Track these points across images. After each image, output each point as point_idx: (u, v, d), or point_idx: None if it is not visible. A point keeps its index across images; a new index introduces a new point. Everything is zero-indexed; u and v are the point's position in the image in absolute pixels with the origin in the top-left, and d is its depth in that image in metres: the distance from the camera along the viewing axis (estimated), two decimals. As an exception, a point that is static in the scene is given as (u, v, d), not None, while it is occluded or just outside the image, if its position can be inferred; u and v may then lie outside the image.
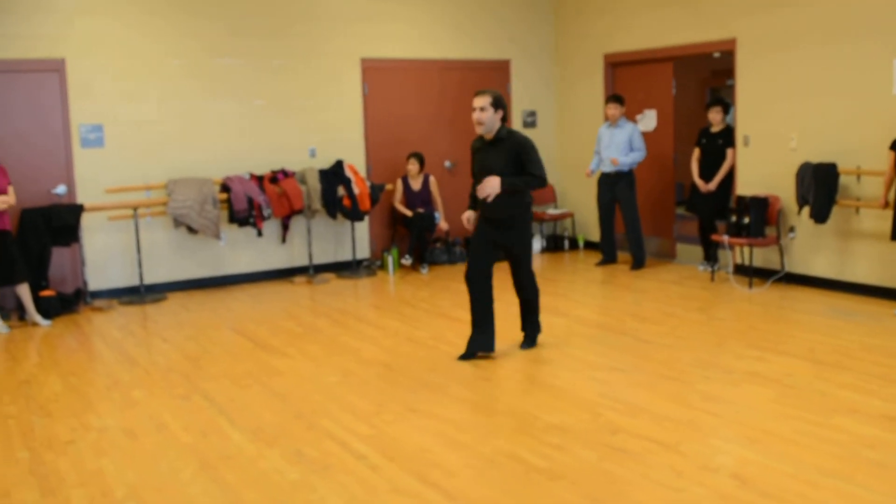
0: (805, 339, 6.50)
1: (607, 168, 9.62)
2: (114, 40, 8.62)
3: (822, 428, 4.69)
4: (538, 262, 10.19)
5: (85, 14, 8.45)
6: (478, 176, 6.12)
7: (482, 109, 5.91)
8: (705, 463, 4.26)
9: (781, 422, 4.80)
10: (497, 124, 5.99)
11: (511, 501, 3.92)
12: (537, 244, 10.94)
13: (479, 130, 6.00)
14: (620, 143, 9.52)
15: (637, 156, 9.51)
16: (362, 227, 10.11)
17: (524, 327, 6.50)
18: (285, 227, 9.48)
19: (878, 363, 5.84)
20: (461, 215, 6.26)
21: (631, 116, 10.25)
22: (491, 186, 5.88)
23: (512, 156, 5.96)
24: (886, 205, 7.40)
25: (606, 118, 9.71)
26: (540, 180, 5.96)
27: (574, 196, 11.21)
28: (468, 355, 6.24)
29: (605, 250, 9.91)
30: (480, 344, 6.23)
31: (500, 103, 5.95)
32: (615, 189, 9.63)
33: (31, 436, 4.98)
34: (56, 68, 8.35)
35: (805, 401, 5.14)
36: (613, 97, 9.61)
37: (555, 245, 11.18)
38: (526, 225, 6.19)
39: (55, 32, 8.33)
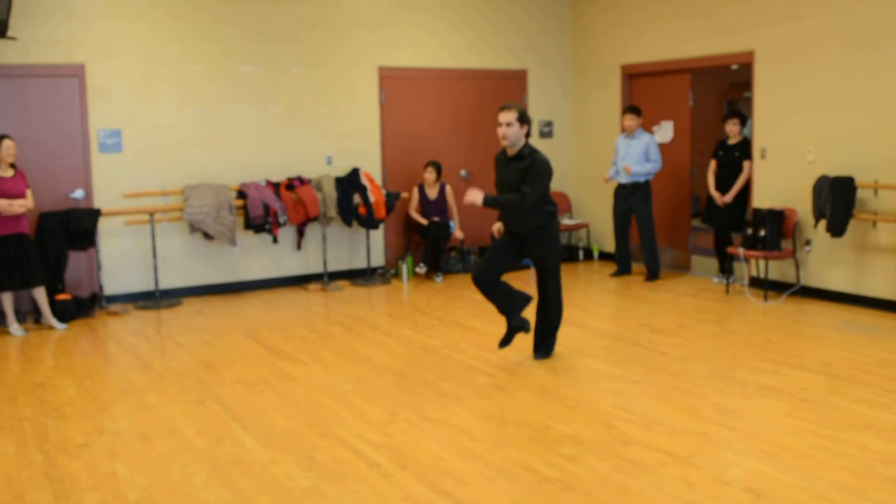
0: (820, 353, 6.46)
1: (623, 178, 9.61)
2: (133, 45, 8.68)
3: (836, 443, 4.66)
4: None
5: (104, 19, 8.52)
6: (498, 189, 6.19)
7: (508, 125, 5.94)
8: (718, 476, 4.25)
9: (795, 436, 4.77)
10: (522, 140, 6.02)
11: (523, 511, 3.92)
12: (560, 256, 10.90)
13: (504, 144, 6.03)
14: (636, 154, 9.51)
15: (652, 167, 9.49)
16: (377, 235, 10.13)
17: (537, 348, 6.47)
18: (301, 233, 9.50)
19: (893, 378, 5.80)
20: (492, 227, 6.29)
21: (647, 128, 10.24)
22: (473, 196, 5.95)
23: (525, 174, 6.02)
24: (904, 219, 7.37)
25: (623, 129, 9.69)
26: (520, 196, 5.92)
27: (589, 206, 11.20)
28: (507, 341, 6.32)
29: (620, 261, 9.89)
30: (517, 326, 6.28)
31: (525, 118, 5.98)
32: (631, 200, 9.61)
33: (46, 438, 5.01)
34: (75, 73, 8.41)
35: (819, 415, 5.11)
36: (630, 108, 9.60)
37: (570, 255, 11.17)
38: (553, 236, 6.20)
39: (74, 37, 8.40)
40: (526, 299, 6.28)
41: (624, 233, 9.80)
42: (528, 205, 5.97)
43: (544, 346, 6.46)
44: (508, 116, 5.94)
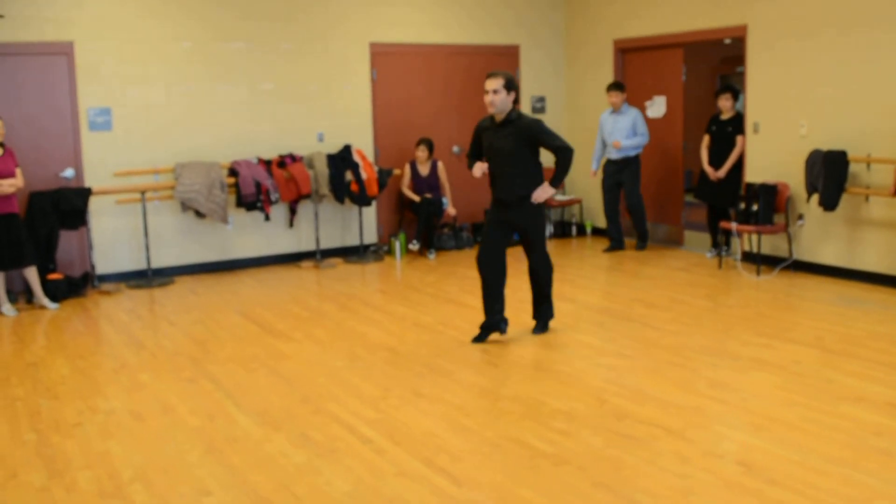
0: (812, 327, 6.48)
1: (613, 154, 9.64)
2: (122, 23, 8.60)
3: (828, 415, 4.68)
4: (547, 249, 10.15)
5: (93, -3, 8.45)
6: (488, 155, 6.13)
7: (495, 92, 5.89)
8: (711, 449, 4.26)
9: (788, 409, 4.79)
10: (509, 106, 5.98)
11: (517, 486, 3.92)
12: (546, 230, 10.89)
13: (491, 111, 5.99)
14: (624, 129, 9.58)
15: (640, 140, 9.56)
16: (370, 212, 10.10)
17: (536, 313, 6.50)
18: (293, 211, 9.47)
19: (885, 351, 5.82)
20: (474, 170, 6.22)
21: (640, 103, 10.23)
22: (544, 193, 6.02)
23: (523, 139, 5.98)
24: (896, 193, 7.37)
25: (610, 105, 9.72)
26: (566, 150, 5.98)
27: (582, 182, 11.17)
28: (481, 338, 6.28)
29: (613, 236, 9.90)
30: (493, 326, 6.27)
31: (512, 85, 5.94)
32: (621, 175, 9.66)
33: (39, 418, 5.00)
34: (64, 51, 8.34)
35: (812, 388, 5.13)
36: (614, 84, 9.69)
37: (562, 231, 11.17)
38: (537, 208, 6.19)
39: (63, 15, 8.32)
40: (502, 329, 6.31)
41: (614, 208, 9.84)
42: (572, 152, 6.01)
43: (540, 316, 6.46)
44: (495, 83, 5.90)
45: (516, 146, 5.98)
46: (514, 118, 5.98)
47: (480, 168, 6.18)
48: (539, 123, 6.01)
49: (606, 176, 9.81)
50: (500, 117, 6.02)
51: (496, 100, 5.91)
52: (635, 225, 9.84)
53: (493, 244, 6.20)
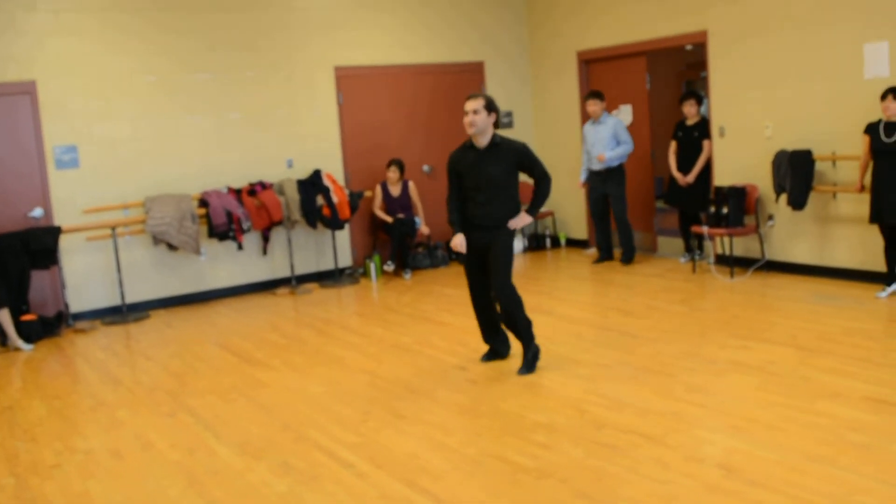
0: (787, 326, 6.53)
1: (597, 165, 9.60)
2: (84, 60, 8.58)
3: (806, 413, 4.71)
4: (521, 262, 10.20)
5: (54, 35, 8.41)
6: (477, 185, 5.88)
7: (475, 112, 5.78)
8: (691, 454, 4.28)
9: (766, 409, 4.82)
10: (490, 129, 5.86)
11: (499, 502, 3.92)
12: (519, 244, 10.93)
13: (471, 132, 5.82)
14: (605, 139, 9.51)
15: (623, 149, 9.47)
16: (343, 236, 10.10)
17: (498, 345, 6.30)
18: (266, 239, 9.45)
19: (859, 346, 5.87)
20: (451, 241, 5.98)
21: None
22: (522, 221, 5.94)
23: (512, 163, 5.87)
24: (863, 188, 7.45)
25: (589, 115, 9.69)
26: (548, 179, 5.94)
27: (554, 194, 11.18)
28: (489, 357, 6.28)
29: (602, 247, 9.85)
30: (498, 352, 6.26)
31: (492, 106, 5.85)
32: (606, 186, 9.60)
33: (16, 461, 4.95)
34: (27, 90, 8.30)
35: (789, 387, 5.16)
36: (592, 93, 9.58)
37: (537, 244, 11.19)
38: (508, 230, 5.99)
39: (25, 54, 8.28)
40: (505, 353, 6.27)
41: (602, 218, 9.78)
42: (551, 182, 5.97)
43: (525, 365, 5.99)
44: (475, 104, 5.82)
45: (505, 171, 5.85)
46: (498, 141, 5.89)
47: (461, 242, 5.95)
48: (528, 148, 5.95)
49: (591, 188, 9.79)
50: (481, 141, 5.86)
51: (476, 120, 5.80)
52: (621, 239, 9.66)
53: (477, 279, 6.07)
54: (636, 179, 10.26)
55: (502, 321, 6.11)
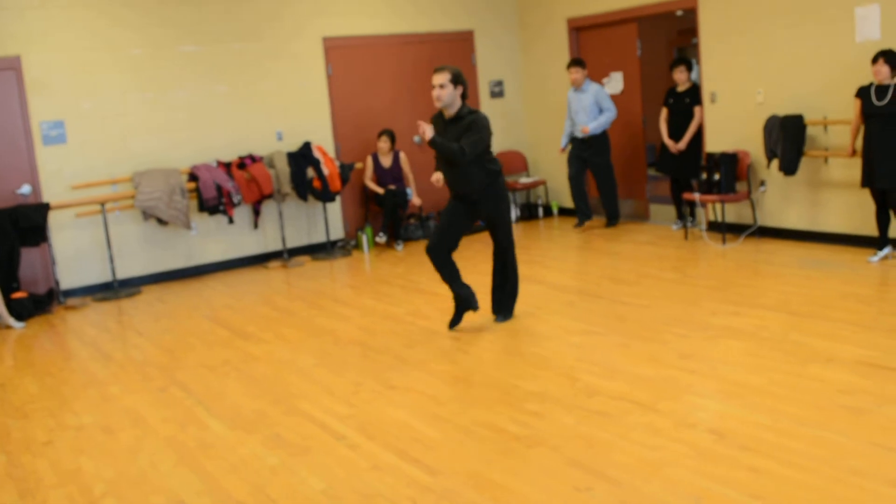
0: (779, 292, 6.52)
1: (578, 133, 9.61)
2: (68, 34, 8.48)
3: (797, 378, 4.71)
4: (514, 231, 10.14)
5: (38, 9, 8.30)
6: (438, 157, 6.11)
7: (441, 86, 5.86)
8: (683, 420, 4.28)
9: (757, 374, 4.82)
10: (458, 101, 5.94)
11: (491, 471, 3.92)
12: (512, 213, 10.88)
13: (439, 106, 5.96)
14: (588, 107, 9.52)
15: (606, 118, 9.48)
16: (335, 208, 10.05)
17: (498, 308, 6.43)
18: (256, 212, 9.40)
19: (851, 310, 5.87)
20: (431, 177, 6.21)
21: (597, 80, 10.22)
22: (425, 128, 5.82)
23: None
24: (854, 153, 7.42)
25: (571, 83, 9.68)
26: (462, 153, 5.83)
27: (545, 163, 11.18)
28: (457, 320, 6.26)
29: (581, 210, 9.88)
30: (465, 304, 6.22)
31: (459, 79, 5.90)
32: (586, 153, 9.63)
33: (8, 439, 4.94)
34: (11, 66, 8.21)
35: (780, 352, 5.16)
36: (574, 61, 9.58)
37: (529, 213, 11.16)
38: (501, 194, 6.14)
39: (8, 29, 8.18)
40: (474, 305, 6.23)
41: (578, 183, 9.81)
42: (466, 161, 5.88)
43: (503, 311, 6.42)
44: (441, 78, 5.86)
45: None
46: (465, 114, 5.93)
47: (437, 178, 6.21)
48: (481, 122, 5.92)
49: (571, 153, 9.82)
50: (449, 113, 5.97)
51: (443, 94, 5.87)
52: (604, 203, 9.79)
53: (445, 235, 6.09)
54: (628, 147, 10.23)
55: (498, 274, 6.37)
